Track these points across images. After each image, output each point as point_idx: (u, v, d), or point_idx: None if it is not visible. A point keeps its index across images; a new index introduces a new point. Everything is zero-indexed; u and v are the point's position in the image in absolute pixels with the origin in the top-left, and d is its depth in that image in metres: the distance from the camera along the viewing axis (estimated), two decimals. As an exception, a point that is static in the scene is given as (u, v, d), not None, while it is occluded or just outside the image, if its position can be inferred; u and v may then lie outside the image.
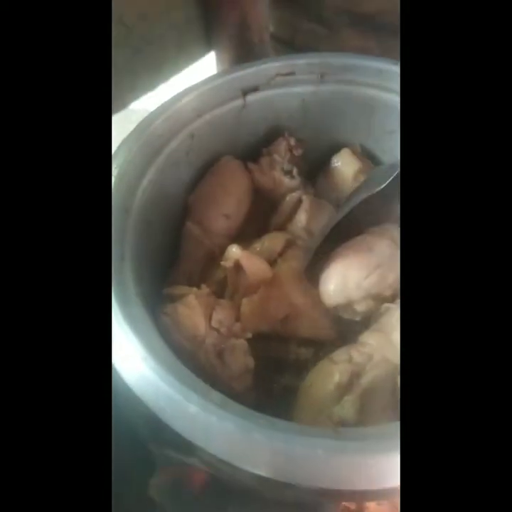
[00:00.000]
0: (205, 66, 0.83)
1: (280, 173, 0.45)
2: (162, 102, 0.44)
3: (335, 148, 0.49)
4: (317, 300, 0.42)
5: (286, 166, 0.45)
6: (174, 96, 0.43)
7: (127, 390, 0.34)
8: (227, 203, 0.45)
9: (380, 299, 0.41)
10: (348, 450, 0.27)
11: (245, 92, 0.45)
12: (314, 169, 0.50)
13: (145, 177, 0.40)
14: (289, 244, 0.43)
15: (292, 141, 0.46)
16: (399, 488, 0.27)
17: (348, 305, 0.41)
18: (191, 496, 0.42)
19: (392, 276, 0.40)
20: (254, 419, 0.28)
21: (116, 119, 0.70)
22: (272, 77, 0.45)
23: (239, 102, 0.45)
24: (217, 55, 0.82)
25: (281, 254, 0.43)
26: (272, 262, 0.42)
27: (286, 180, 0.46)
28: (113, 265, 0.34)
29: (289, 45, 0.81)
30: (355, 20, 0.68)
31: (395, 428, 0.27)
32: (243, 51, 0.80)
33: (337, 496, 0.38)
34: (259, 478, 0.35)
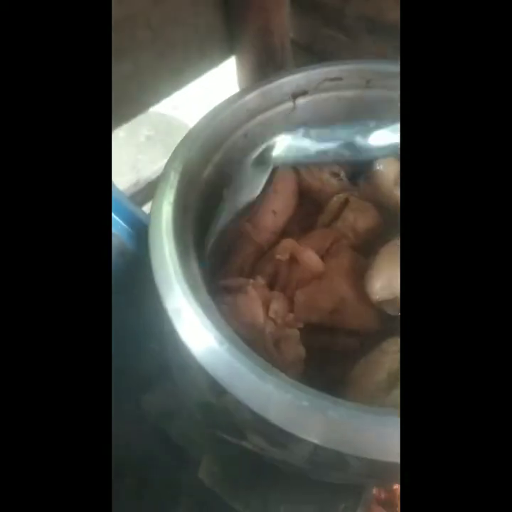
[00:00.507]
0: (225, 71, 0.85)
1: (328, 175, 0.48)
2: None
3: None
4: (363, 294, 0.44)
5: (334, 169, 0.48)
6: (229, 98, 0.46)
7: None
8: (275, 199, 0.48)
9: None
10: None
11: (295, 96, 0.48)
12: (357, 172, 0.52)
13: (203, 175, 0.43)
14: (337, 241, 0.46)
15: None
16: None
17: (393, 301, 0.43)
18: (239, 479, 0.44)
19: None
20: (327, 398, 0.30)
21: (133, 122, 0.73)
22: (321, 82, 0.48)
23: (289, 104, 0.48)
24: (237, 59, 0.84)
25: (328, 250, 0.45)
26: (320, 257, 0.44)
27: (334, 182, 0.48)
28: (181, 256, 0.36)
29: (309, 50, 0.83)
30: (375, 28, 0.70)
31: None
32: (264, 56, 0.82)
33: (381, 475, 0.40)
34: (313, 458, 0.37)
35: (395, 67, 0.48)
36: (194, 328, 0.33)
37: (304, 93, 0.48)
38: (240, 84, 0.87)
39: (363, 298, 0.44)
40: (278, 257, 0.42)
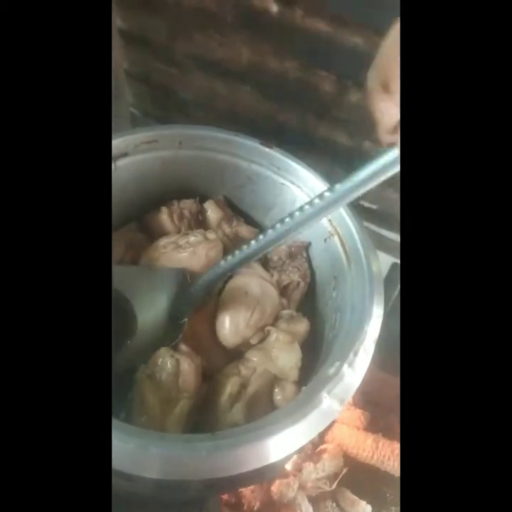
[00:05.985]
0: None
1: None
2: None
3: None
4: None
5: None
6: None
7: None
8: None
9: (264, 328, 0.50)
10: (221, 447, 0.35)
11: (116, 158, 0.52)
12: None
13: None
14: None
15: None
16: (262, 470, 0.36)
17: (245, 342, 0.50)
18: None
19: (269, 307, 0.50)
20: (148, 437, 0.35)
21: None
22: (138, 145, 0.53)
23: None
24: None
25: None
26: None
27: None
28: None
29: (144, 82, 0.86)
30: (204, 65, 0.76)
31: (260, 422, 0.37)
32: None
33: (219, 486, 0.47)
34: (156, 484, 0.42)
35: (203, 131, 0.56)
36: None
37: (124, 155, 0.53)
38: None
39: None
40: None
